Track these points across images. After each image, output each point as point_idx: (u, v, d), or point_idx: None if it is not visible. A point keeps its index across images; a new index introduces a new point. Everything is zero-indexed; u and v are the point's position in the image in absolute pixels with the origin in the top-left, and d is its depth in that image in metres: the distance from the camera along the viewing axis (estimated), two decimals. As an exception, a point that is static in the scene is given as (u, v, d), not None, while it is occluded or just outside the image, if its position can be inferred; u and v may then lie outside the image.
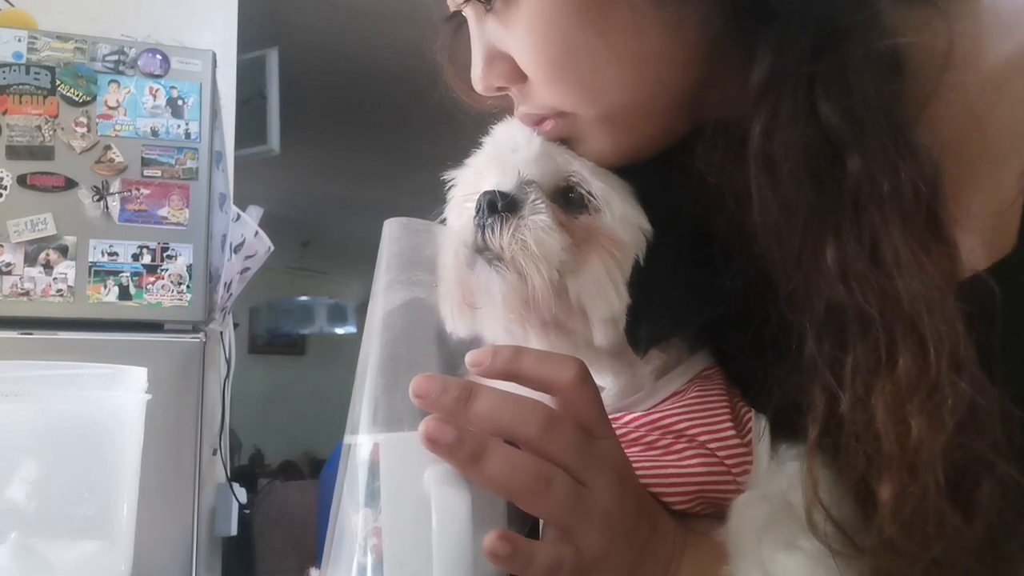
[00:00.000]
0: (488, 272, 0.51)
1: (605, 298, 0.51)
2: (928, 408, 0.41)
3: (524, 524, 0.44)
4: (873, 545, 0.43)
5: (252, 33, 2.62)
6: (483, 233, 0.51)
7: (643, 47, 0.51)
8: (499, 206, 0.51)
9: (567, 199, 0.54)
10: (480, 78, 0.56)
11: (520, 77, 0.54)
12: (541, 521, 0.46)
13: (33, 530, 0.53)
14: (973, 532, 0.41)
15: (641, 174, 0.56)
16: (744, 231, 0.50)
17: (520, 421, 0.43)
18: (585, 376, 0.45)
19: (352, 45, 3.23)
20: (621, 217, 0.53)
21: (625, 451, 0.48)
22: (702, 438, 0.52)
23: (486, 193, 0.52)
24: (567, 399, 0.45)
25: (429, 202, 0.61)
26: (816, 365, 0.46)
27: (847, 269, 0.45)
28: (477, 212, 0.52)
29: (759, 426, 0.52)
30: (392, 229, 0.51)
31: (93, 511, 0.57)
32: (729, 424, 0.52)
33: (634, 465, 0.49)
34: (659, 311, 0.52)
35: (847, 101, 0.46)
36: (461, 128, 0.63)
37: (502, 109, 0.62)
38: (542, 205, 0.52)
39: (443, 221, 0.59)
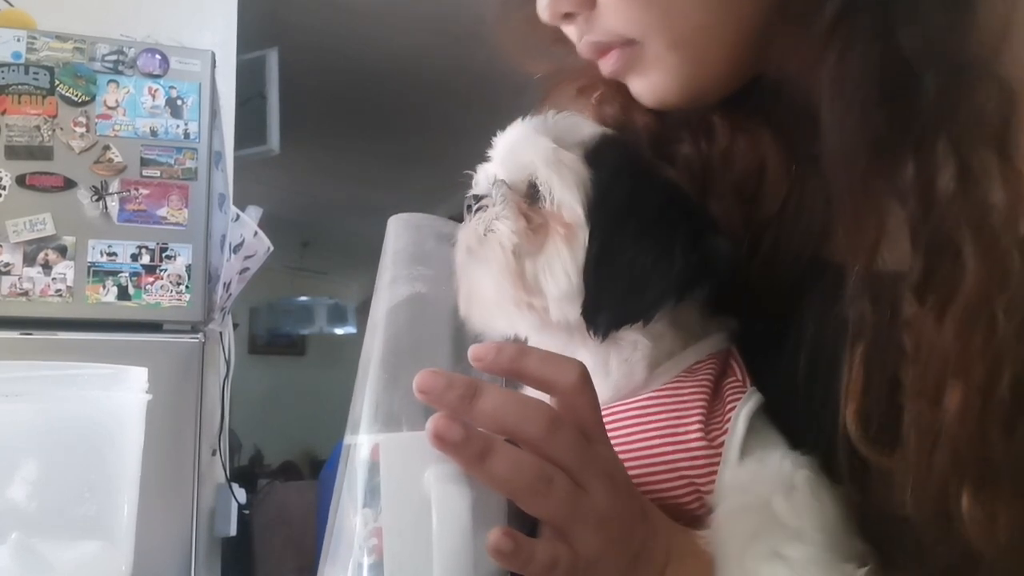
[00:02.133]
0: (471, 268, 0.55)
1: (555, 277, 0.53)
2: (1016, 312, 0.42)
3: (523, 525, 0.44)
4: (929, 446, 0.44)
5: (252, 33, 2.62)
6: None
7: None
8: (472, 207, 0.56)
9: (535, 192, 0.56)
10: (547, 5, 0.55)
11: (588, 2, 0.54)
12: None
13: (33, 530, 0.53)
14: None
15: (621, 158, 0.57)
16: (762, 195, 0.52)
17: (524, 420, 0.43)
18: (587, 379, 0.45)
19: (352, 45, 3.24)
20: (559, 203, 0.55)
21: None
22: (661, 450, 0.52)
23: (465, 198, 0.57)
24: (568, 401, 0.45)
25: (428, 201, 0.62)
26: (871, 280, 0.47)
27: (929, 184, 0.46)
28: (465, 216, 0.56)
29: (737, 418, 0.51)
30: (396, 225, 0.51)
31: (94, 511, 0.57)
32: (697, 428, 0.51)
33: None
34: (615, 297, 0.53)
35: (923, 25, 0.47)
36: (460, 128, 0.64)
37: (544, 75, 0.62)
38: (502, 198, 0.55)
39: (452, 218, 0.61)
